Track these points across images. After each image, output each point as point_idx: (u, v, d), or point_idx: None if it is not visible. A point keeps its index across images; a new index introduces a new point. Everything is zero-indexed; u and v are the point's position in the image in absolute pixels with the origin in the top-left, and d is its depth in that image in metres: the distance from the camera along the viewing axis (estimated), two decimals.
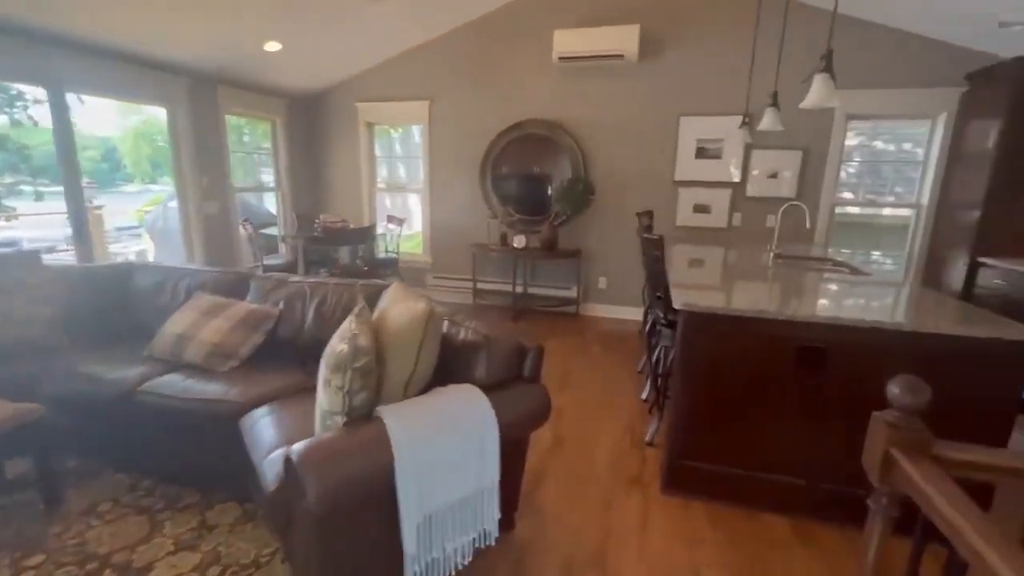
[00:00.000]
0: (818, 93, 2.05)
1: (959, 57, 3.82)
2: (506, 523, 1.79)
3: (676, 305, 1.98)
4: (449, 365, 1.68)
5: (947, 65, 3.85)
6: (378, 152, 5.71)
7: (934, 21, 3.68)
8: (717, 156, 4.45)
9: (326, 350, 1.52)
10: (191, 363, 2.23)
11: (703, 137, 4.44)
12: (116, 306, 2.70)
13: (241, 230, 4.68)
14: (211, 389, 2.02)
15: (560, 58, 4.35)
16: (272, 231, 5.49)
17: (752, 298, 2.10)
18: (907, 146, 4.28)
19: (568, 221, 4.90)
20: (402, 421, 1.40)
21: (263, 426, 1.76)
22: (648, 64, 4.45)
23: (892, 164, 4.34)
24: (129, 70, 3.91)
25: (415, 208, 5.57)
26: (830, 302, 2.09)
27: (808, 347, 1.88)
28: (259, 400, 1.94)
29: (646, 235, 2.40)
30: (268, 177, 5.51)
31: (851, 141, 4.26)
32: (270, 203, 5.69)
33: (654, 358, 2.67)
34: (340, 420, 1.43)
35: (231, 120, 4.92)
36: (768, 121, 3.19)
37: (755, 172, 4.39)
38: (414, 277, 5.53)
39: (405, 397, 1.54)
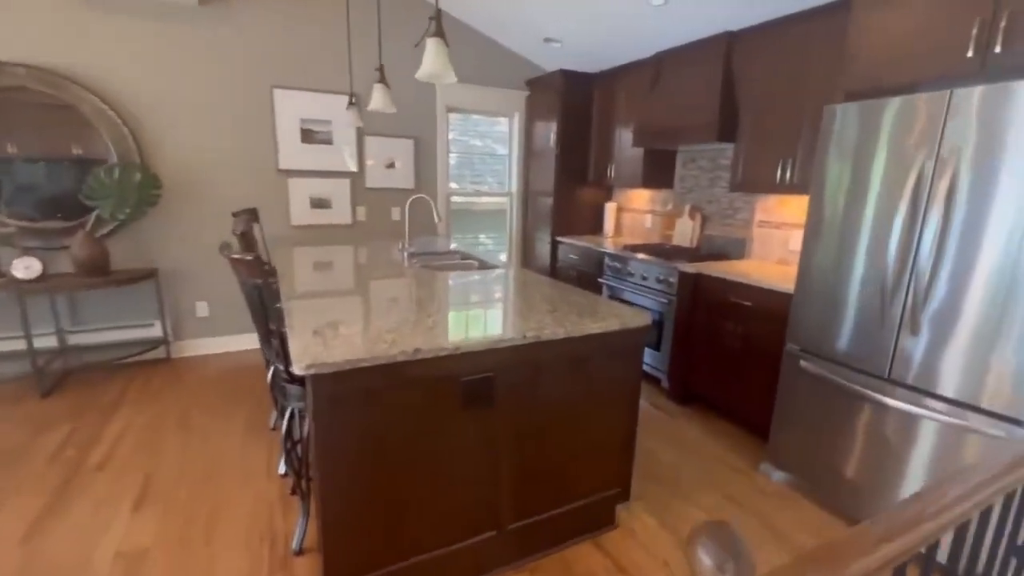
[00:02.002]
0: (433, 61, 1.67)
1: (521, 65, 4.41)
2: None
3: (298, 369, 1.25)
4: None
5: (516, 71, 4.39)
6: None
7: (502, 32, 4.07)
8: (328, 141, 3.81)
9: None
10: None
11: (308, 117, 3.71)
12: None
13: None
14: None
15: None
16: None
17: (400, 330, 1.59)
18: (488, 141, 4.77)
19: (124, 227, 3.30)
20: None
21: None
22: (216, 10, 3.32)
23: (481, 156, 4.76)
24: None
25: None
26: (485, 318, 1.80)
27: (474, 379, 1.52)
28: None
29: (235, 256, 1.53)
30: None
31: (451, 135, 4.41)
32: None
33: (284, 425, 1.87)
34: None
35: None
36: (378, 100, 2.75)
37: (371, 162, 4.00)
38: None
39: None
